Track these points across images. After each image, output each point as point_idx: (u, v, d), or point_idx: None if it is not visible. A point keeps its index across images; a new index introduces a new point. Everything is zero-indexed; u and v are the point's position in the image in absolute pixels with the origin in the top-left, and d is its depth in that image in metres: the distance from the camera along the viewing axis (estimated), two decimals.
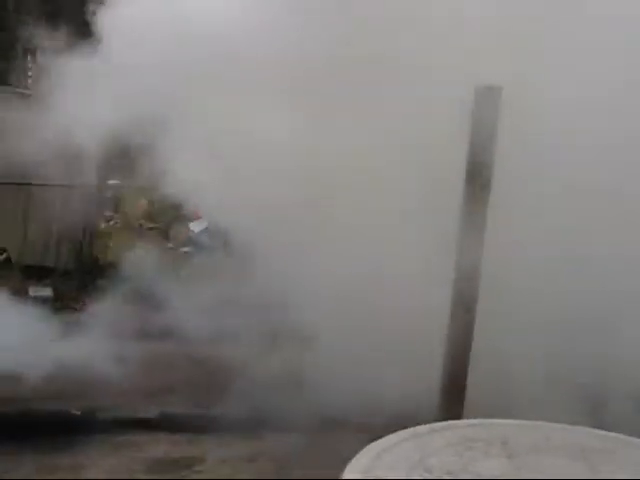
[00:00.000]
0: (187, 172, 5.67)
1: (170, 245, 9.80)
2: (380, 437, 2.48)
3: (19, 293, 6.75)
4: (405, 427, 2.55)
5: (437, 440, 2.51)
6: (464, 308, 3.46)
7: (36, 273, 7.15)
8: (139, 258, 8.17)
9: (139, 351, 5.69)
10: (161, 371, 5.44)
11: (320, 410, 4.34)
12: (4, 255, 7.36)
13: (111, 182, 9.09)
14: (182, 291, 7.51)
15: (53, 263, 7.43)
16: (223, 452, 4.34)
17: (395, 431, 2.52)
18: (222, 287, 6.35)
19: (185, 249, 9.81)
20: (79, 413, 4.73)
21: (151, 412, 4.78)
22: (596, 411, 4.22)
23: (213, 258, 9.04)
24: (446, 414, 3.32)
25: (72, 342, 5.85)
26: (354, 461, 2.34)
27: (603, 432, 2.70)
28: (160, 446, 4.37)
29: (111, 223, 10.10)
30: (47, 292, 6.86)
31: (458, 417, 3.27)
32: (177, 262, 8.91)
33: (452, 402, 3.49)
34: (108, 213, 10.61)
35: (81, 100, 5.78)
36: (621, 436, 2.65)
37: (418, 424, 2.61)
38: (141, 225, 9.76)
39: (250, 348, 5.48)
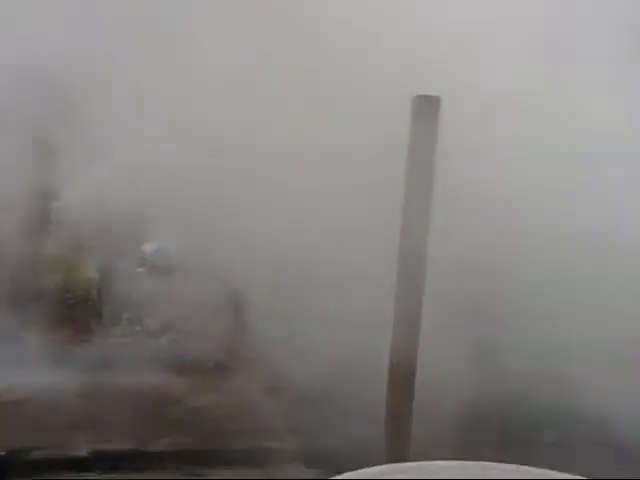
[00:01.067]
0: None
1: (124, 266, 9.48)
2: None
3: None
4: None
5: None
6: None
7: None
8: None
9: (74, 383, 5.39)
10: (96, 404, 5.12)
11: None
12: None
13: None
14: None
15: None
16: None
17: None
18: None
19: (139, 269, 9.50)
20: (3, 454, 4.39)
21: (82, 450, 4.44)
22: None
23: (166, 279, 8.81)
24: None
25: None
26: None
27: (547, 472, 2.45)
28: None
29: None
30: None
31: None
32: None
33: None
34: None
35: None
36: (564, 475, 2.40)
37: None
38: None
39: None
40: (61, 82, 6.01)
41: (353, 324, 5.43)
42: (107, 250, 7.95)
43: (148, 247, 10.13)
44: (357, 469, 2.47)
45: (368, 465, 2.50)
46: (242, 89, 5.36)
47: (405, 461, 3.18)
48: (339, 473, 2.43)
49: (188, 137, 5.68)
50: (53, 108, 6.16)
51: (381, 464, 2.86)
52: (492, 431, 4.92)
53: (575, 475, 2.45)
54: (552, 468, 2.48)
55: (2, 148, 6.19)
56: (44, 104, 6.13)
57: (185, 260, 9.27)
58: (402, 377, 3.18)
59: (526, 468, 2.47)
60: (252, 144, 5.45)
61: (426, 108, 3.11)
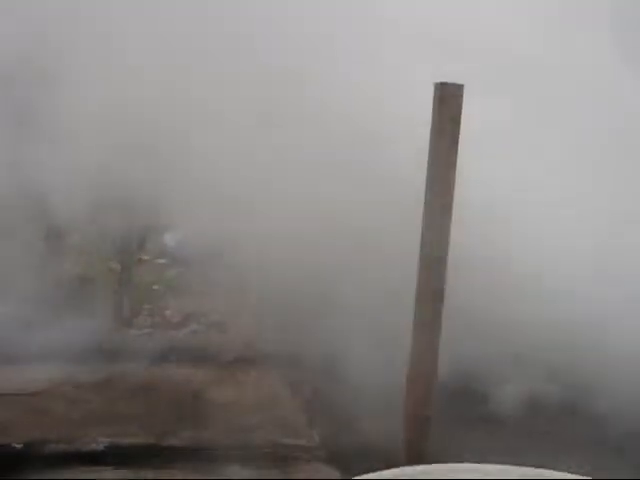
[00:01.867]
0: None
1: (145, 257, 9.46)
2: None
3: None
4: None
5: None
6: None
7: None
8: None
9: (93, 375, 5.36)
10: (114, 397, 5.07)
11: None
12: None
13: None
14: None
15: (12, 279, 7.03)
16: None
17: None
18: None
19: (160, 261, 9.47)
20: (20, 446, 4.33)
21: (99, 444, 4.38)
22: None
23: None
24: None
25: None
26: None
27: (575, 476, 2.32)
28: None
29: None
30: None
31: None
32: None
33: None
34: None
35: None
36: None
37: None
38: None
39: None
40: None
41: (375, 316, 5.35)
42: (128, 241, 7.90)
43: (169, 238, 10.12)
44: (377, 468, 2.37)
45: (388, 465, 2.41)
46: None
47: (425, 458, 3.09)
48: (359, 471, 2.34)
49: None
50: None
51: (400, 464, 2.78)
52: None
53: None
54: None
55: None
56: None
57: (206, 251, 9.28)
58: (422, 377, 3.07)
59: (548, 472, 2.35)
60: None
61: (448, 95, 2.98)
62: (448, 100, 2.98)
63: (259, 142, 5.38)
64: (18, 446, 4.33)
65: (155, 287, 8.12)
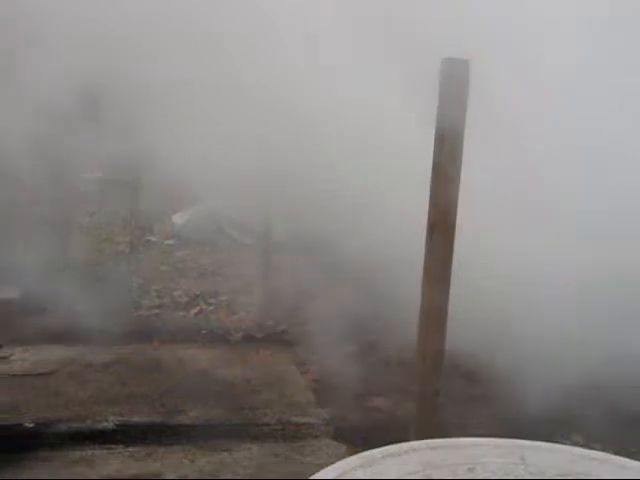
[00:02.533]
0: None
1: (153, 238, 9.49)
2: None
3: None
4: None
5: (392, 469, 2.14)
6: None
7: (2, 272, 6.78)
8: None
9: (102, 355, 5.40)
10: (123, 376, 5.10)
11: None
12: None
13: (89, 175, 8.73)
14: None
15: (21, 262, 7.06)
16: (184, 468, 3.97)
17: None
18: None
19: (169, 242, 9.50)
20: (32, 425, 4.37)
21: (109, 422, 4.41)
22: None
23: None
24: None
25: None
26: None
27: (588, 452, 2.33)
28: (115, 461, 4.01)
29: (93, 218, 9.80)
30: (13, 293, 6.49)
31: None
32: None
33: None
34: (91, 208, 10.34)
35: None
36: (610, 457, 2.28)
37: None
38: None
39: None
40: None
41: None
42: (137, 221, 7.92)
43: (178, 218, 10.14)
44: (386, 444, 2.37)
45: (397, 440, 2.41)
46: None
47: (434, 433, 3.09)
48: (368, 448, 2.34)
49: None
50: None
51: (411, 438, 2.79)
52: None
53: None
54: None
55: None
56: None
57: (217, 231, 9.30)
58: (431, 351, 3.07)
59: (565, 447, 2.35)
60: None
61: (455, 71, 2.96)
62: (454, 76, 2.96)
63: None
64: (30, 425, 4.36)
65: (163, 268, 8.14)
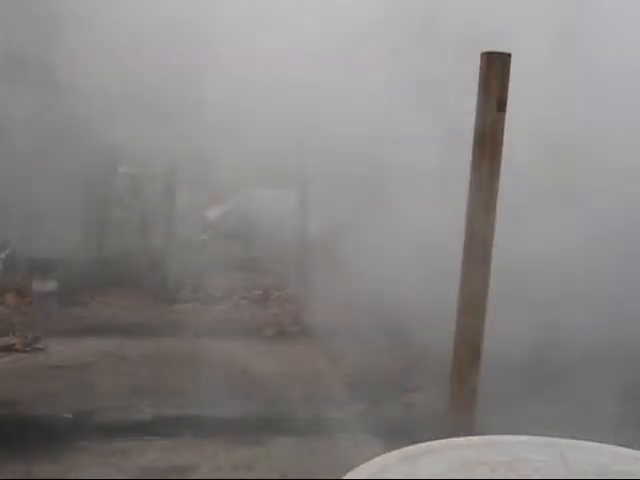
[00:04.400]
0: None
1: (188, 232, 9.53)
2: None
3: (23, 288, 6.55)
4: None
5: (431, 465, 2.13)
6: None
7: (42, 266, 6.88)
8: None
9: (139, 348, 5.46)
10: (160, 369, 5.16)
11: None
12: (7, 250, 7.10)
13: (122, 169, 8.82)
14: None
15: (60, 255, 7.15)
16: (219, 460, 3.99)
17: None
18: None
19: (203, 236, 9.54)
20: (70, 416, 4.43)
21: (147, 414, 4.46)
22: None
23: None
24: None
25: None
26: None
27: (631, 451, 2.29)
28: (151, 453, 4.04)
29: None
30: (52, 286, 6.59)
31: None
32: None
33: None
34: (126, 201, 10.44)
35: None
36: None
37: None
38: None
39: None
40: None
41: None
42: (172, 216, 7.99)
43: (212, 213, 10.20)
44: (421, 440, 2.36)
45: (432, 436, 2.39)
46: None
47: (471, 427, 3.07)
48: (403, 444, 2.33)
49: None
50: None
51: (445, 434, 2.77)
52: None
53: None
54: None
55: None
56: None
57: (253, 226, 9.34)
58: (469, 344, 3.05)
59: (607, 446, 2.31)
60: None
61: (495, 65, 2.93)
62: (495, 69, 2.93)
63: None
64: (68, 416, 4.43)
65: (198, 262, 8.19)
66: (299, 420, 4.43)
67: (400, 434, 3.78)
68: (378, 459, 2.11)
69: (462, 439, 2.35)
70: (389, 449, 2.33)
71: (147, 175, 8.91)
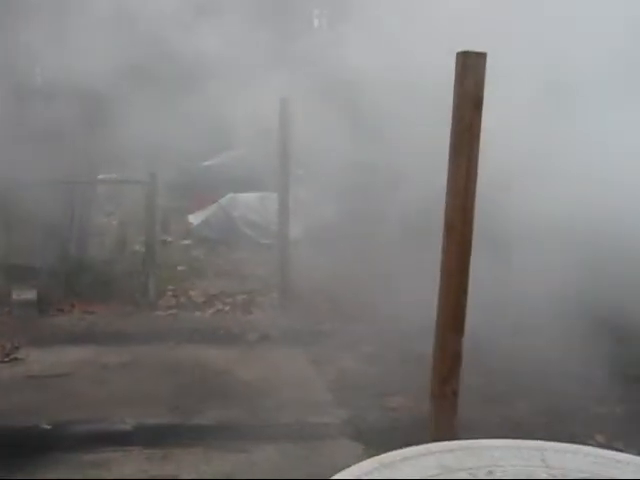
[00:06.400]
0: None
1: (169, 239, 9.49)
2: None
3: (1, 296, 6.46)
4: None
5: (409, 472, 2.09)
6: None
7: (20, 274, 6.79)
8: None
9: (119, 356, 5.39)
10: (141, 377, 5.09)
11: None
12: None
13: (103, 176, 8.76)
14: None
15: (39, 263, 7.06)
16: (201, 468, 3.94)
17: None
18: None
19: (184, 242, 9.49)
20: (49, 427, 4.36)
21: (127, 423, 4.39)
22: None
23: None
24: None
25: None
26: None
27: (611, 453, 2.26)
28: (130, 463, 3.98)
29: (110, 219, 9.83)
30: (32, 294, 6.50)
31: None
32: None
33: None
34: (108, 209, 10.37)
35: None
36: (634, 458, 2.21)
37: None
38: None
39: None
40: None
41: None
42: (153, 222, 7.91)
43: (194, 218, 10.14)
44: (404, 445, 2.32)
45: (416, 441, 2.36)
46: None
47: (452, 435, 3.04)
48: (386, 449, 2.29)
49: None
50: None
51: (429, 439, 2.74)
52: None
53: None
54: None
55: None
56: None
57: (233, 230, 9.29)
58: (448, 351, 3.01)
59: (588, 449, 2.29)
60: None
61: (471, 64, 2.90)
62: (471, 68, 2.90)
63: None
64: (47, 427, 4.35)
65: (180, 268, 8.13)
66: (282, 426, 4.38)
67: (382, 439, 3.76)
68: (354, 467, 2.07)
69: (441, 444, 2.31)
70: (370, 455, 2.30)
71: (128, 181, 8.86)
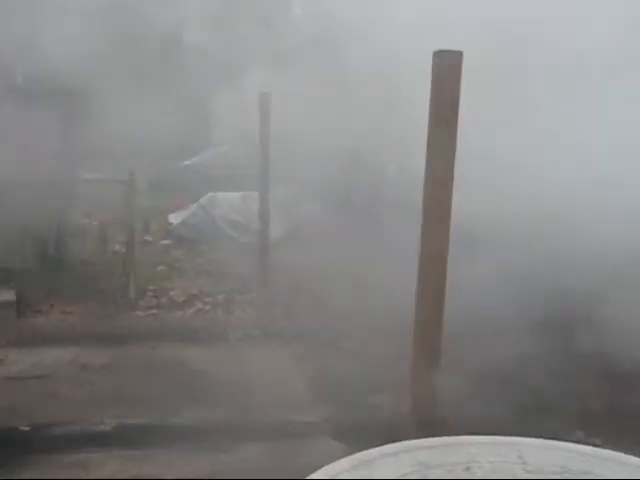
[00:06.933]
0: None
1: (150, 238, 9.44)
2: None
3: None
4: None
5: (387, 469, 2.10)
6: None
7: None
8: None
9: (99, 357, 5.36)
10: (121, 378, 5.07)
11: None
12: None
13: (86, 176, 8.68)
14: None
15: (18, 264, 7.00)
16: (182, 469, 3.93)
17: None
18: None
19: (165, 242, 9.44)
20: (27, 429, 4.33)
21: (107, 424, 4.37)
22: None
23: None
24: None
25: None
26: None
27: (587, 448, 2.29)
28: (111, 464, 3.96)
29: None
30: (10, 295, 6.44)
31: None
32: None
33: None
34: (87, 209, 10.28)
35: None
36: (610, 453, 2.24)
37: None
38: None
39: None
40: None
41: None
42: (132, 222, 7.87)
43: (174, 218, 10.09)
44: (385, 443, 2.33)
45: (396, 439, 2.37)
46: None
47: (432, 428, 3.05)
48: (366, 446, 2.30)
49: None
50: None
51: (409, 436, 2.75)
52: None
53: None
54: None
55: None
56: None
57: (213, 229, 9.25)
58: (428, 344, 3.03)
59: (564, 444, 2.31)
60: None
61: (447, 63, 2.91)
62: (447, 67, 2.91)
63: None
64: (25, 428, 4.32)
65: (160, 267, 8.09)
66: (263, 426, 4.38)
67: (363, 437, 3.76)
68: (332, 465, 2.08)
69: (419, 441, 2.33)
70: (351, 453, 2.31)
71: (107, 180, 8.79)
